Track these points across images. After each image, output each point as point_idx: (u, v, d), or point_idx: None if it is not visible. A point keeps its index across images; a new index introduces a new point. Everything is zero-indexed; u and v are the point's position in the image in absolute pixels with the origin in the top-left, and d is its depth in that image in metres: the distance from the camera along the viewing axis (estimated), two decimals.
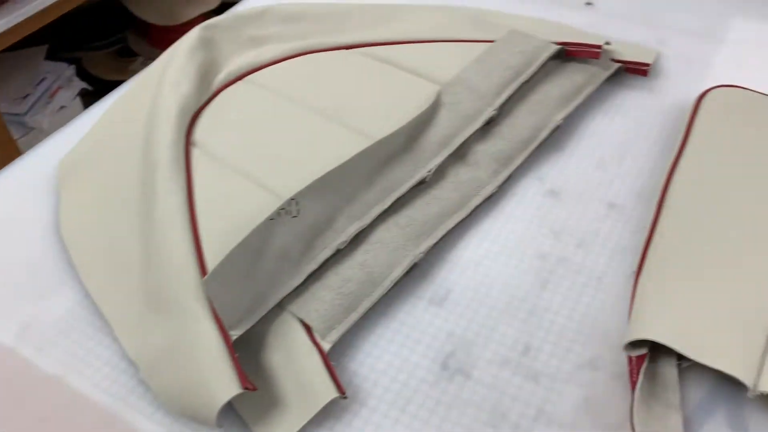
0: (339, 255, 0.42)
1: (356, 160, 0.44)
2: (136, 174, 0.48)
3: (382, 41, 0.60)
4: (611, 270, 0.43)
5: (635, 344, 0.36)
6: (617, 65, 0.56)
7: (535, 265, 0.44)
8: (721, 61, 0.59)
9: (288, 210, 0.41)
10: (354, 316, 0.40)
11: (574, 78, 0.55)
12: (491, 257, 0.45)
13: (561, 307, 0.41)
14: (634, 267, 0.42)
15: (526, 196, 0.48)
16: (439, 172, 0.48)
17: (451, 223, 0.45)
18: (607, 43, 0.55)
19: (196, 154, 0.49)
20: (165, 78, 0.53)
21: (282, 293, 0.40)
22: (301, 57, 0.59)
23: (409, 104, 0.49)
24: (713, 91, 0.52)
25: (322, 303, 0.40)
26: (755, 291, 0.38)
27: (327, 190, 0.43)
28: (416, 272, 0.44)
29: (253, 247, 0.39)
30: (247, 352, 0.38)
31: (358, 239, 0.43)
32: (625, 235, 0.45)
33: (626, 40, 0.59)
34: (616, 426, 0.36)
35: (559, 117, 0.52)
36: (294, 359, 0.38)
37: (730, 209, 0.43)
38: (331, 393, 0.35)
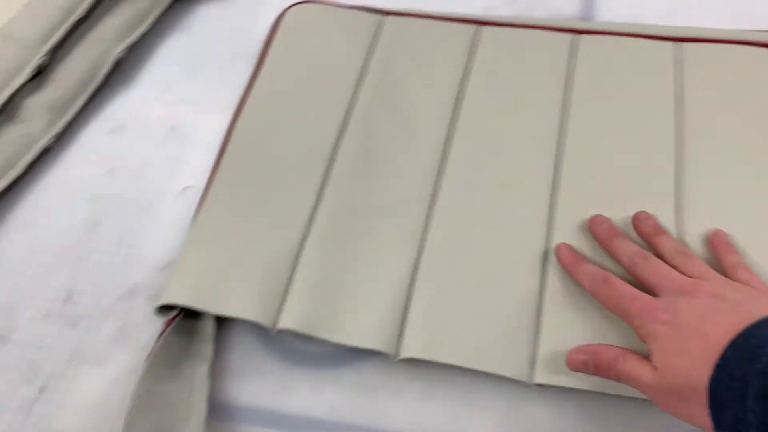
0: None
1: None
2: None
3: None
4: (160, 197, 0.44)
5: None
6: None
7: (87, 208, 0.44)
8: None
9: None
10: None
11: (138, 4, 0.53)
12: (46, 211, 0.44)
13: (108, 244, 0.42)
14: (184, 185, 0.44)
15: (89, 139, 0.48)
16: None
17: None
18: None
19: None
20: None
21: None
22: None
23: None
24: (294, 8, 0.52)
25: None
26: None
27: None
28: None
29: None
30: None
31: None
32: (183, 157, 0.46)
33: None
34: (147, 346, 0.38)
35: (118, 49, 0.51)
36: None
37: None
38: None
